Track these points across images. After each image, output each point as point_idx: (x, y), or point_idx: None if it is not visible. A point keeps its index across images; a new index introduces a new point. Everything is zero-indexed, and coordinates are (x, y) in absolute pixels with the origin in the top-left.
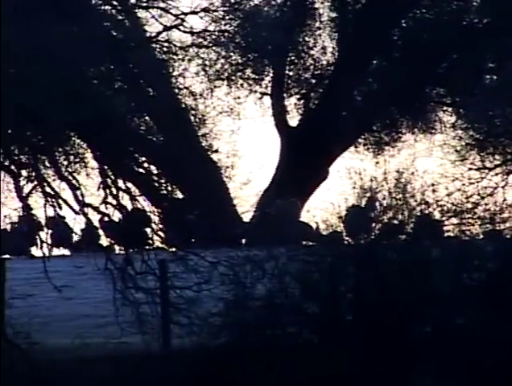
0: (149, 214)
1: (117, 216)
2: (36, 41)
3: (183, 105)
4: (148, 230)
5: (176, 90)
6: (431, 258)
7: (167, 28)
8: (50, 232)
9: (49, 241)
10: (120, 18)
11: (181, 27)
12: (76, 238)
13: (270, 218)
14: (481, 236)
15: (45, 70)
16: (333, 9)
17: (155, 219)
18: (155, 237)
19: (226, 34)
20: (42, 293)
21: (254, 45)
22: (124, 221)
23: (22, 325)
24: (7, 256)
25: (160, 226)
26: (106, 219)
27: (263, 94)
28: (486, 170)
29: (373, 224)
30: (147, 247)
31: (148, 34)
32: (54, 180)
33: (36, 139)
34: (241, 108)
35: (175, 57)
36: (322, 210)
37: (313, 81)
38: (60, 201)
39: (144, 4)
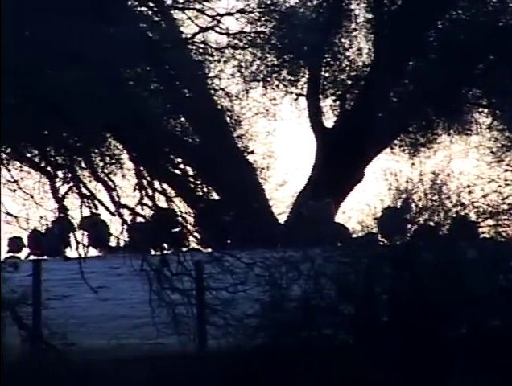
0: (178, 215)
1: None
2: (73, 43)
3: (219, 107)
4: (181, 231)
5: (212, 91)
6: (467, 259)
7: (203, 29)
8: (86, 233)
9: (85, 242)
10: (156, 19)
11: (217, 29)
12: (112, 239)
13: (306, 219)
14: None
15: (82, 71)
16: (369, 10)
17: (191, 220)
18: (191, 238)
19: (262, 35)
20: (78, 294)
21: (290, 46)
22: (152, 222)
23: (58, 326)
24: (44, 257)
25: (196, 227)
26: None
27: (299, 95)
28: None
29: (409, 226)
30: (183, 248)
31: (184, 36)
32: (90, 181)
33: (72, 140)
34: (276, 109)
35: (210, 58)
36: (357, 211)
37: (349, 82)
38: (96, 202)
39: (180, 5)
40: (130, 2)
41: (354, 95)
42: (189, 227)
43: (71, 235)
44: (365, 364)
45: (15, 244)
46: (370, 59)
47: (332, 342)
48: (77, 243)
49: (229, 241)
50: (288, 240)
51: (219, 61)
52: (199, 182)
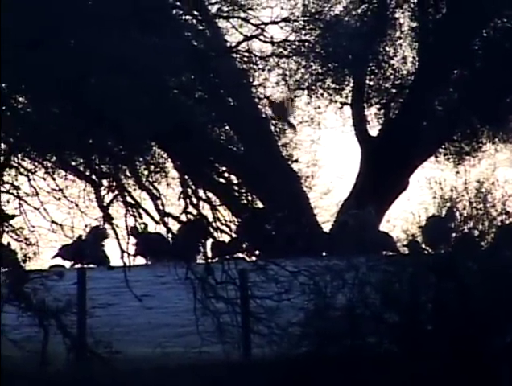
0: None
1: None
2: (118, 51)
3: (264, 115)
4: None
5: (257, 100)
6: None
7: (247, 38)
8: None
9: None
10: (201, 28)
11: (261, 37)
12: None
13: (350, 228)
14: None
15: (126, 80)
16: (414, 18)
17: (234, 228)
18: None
19: (306, 44)
20: (122, 302)
21: (335, 55)
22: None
23: (103, 334)
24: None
25: (241, 235)
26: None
27: (343, 104)
28: None
29: (454, 234)
30: (228, 256)
31: (229, 44)
32: (135, 190)
33: (117, 149)
34: (321, 117)
35: (255, 67)
36: (402, 220)
37: (393, 91)
38: (141, 211)
39: (225, 14)
40: (174, 11)
41: (399, 103)
42: (234, 235)
43: (105, 244)
44: (409, 373)
45: (67, 251)
46: (415, 67)
47: (376, 351)
48: (122, 252)
49: (273, 250)
50: (333, 249)
51: (263, 69)
52: (243, 191)
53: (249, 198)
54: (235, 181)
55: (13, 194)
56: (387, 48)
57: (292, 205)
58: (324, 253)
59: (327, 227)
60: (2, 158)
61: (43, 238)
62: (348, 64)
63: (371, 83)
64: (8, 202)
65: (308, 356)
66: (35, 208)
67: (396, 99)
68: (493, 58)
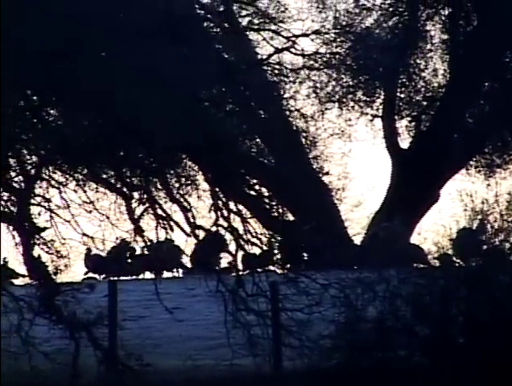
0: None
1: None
2: (149, 63)
3: (295, 127)
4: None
5: (287, 112)
6: None
7: (278, 50)
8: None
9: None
10: (231, 40)
11: (292, 49)
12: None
13: (381, 240)
14: None
15: (157, 92)
16: (445, 31)
17: (265, 240)
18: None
19: (337, 56)
20: (153, 315)
21: (366, 67)
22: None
23: (133, 347)
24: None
25: (271, 248)
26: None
27: (374, 116)
28: None
29: (485, 247)
30: (258, 269)
31: (259, 57)
32: (165, 202)
33: (148, 161)
34: (352, 130)
35: (286, 79)
36: (433, 232)
37: (424, 103)
38: (172, 223)
39: (256, 26)
40: (205, 23)
41: (430, 116)
42: (264, 247)
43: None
44: None
45: (94, 262)
46: (446, 79)
47: (407, 364)
48: (145, 266)
49: (304, 262)
50: (363, 261)
51: (294, 82)
52: (274, 203)
53: (280, 210)
54: (266, 193)
55: (44, 206)
56: (418, 61)
57: (323, 217)
58: (354, 266)
59: (358, 240)
60: (33, 170)
61: (74, 250)
62: (379, 77)
63: (402, 95)
64: (39, 214)
65: (339, 369)
66: (66, 221)
67: (427, 111)
68: None
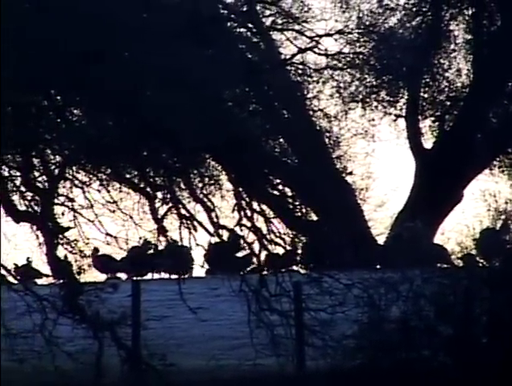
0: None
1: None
2: (173, 64)
3: (318, 127)
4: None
5: (311, 112)
6: None
7: (301, 50)
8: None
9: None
10: (255, 40)
11: (316, 49)
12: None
13: (404, 240)
14: None
15: (181, 92)
16: (468, 31)
17: (288, 240)
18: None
19: (361, 56)
20: (177, 314)
21: (389, 67)
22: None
23: (157, 346)
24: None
25: (295, 248)
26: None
27: (398, 116)
28: None
29: (508, 247)
30: (282, 269)
31: (283, 57)
32: (189, 202)
33: (171, 161)
34: (375, 130)
35: (309, 79)
36: (456, 232)
37: (448, 103)
38: (195, 223)
39: (279, 26)
40: (229, 24)
41: (453, 116)
42: (288, 247)
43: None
44: None
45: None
46: (469, 79)
47: (430, 364)
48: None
49: (327, 262)
50: (387, 261)
51: (318, 82)
52: (297, 203)
53: (304, 210)
54: (289, 193)
55: (67, 206)
56: (442, 60)
57: (346, 217)
58: (378, 266)
59: (381, 240)
60: (56, 170)
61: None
62: (403, 77)
63: (426, 95)
64: (63, 214)
65: (362, 369)
66: (89, 220)
67: (450, 111)
68: None
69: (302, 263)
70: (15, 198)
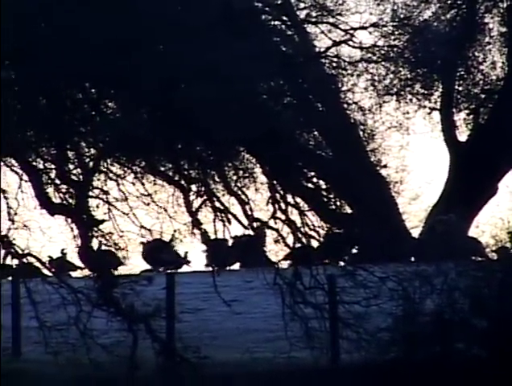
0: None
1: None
2: (207, 57)
3: (352, 120)
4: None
5: (345, 105)
6: None
7: (336, 43)
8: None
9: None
10: (290, 33)
11: (350, 42)
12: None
13: (438, 233)
14: None
15: (215, 85)
16: (503, 23)
17: (323, 233)
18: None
19: (395, 49)
20: (211, 307)
21: (424, 60)
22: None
23: (191, 339)
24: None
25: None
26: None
27: (432, 109)
28: None
29: None
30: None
31: (317, 50)
32: (223, 195)
33: (206, 154)
34: (410, 123)
35: (344, 72)
36: (491, 225)
37: (483, 96)
38: (229, 216)
39: (313, 19)
40: (264, 17)
41: (488, 108)
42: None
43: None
44: (498, 379)
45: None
46: (504, 72)
47: (464, 357)
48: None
49: (361, 255)
50: (421, 254)
51: (352, 75)
52: (332, 196)
53: (338, 203)
54: (323, 186)
55: (102, 199)
56: (476, 53)
57: (381, 210)
58: (412, 259)
59: (416, 233)
60: (91, 163)
61: (132, 243)
62: (438, 70)
63: (460, 88)
64: (97, 207)
65: (397, 362)
66: (124, 213)
67: (485, 104)
68: None
69: (336, 256)
70: (50, 190)
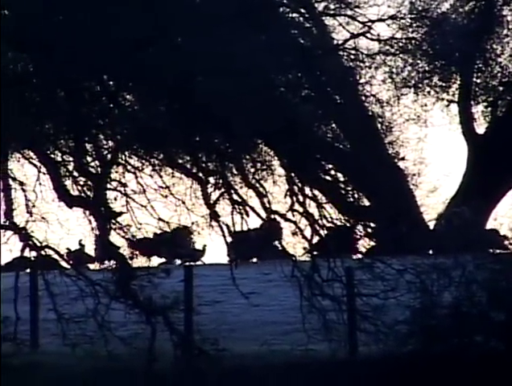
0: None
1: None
2: (225, 50)
3: (370, 113)
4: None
5: (363, 97)
6: None
7: (354, 36)
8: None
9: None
10: (308, 25)
11: (368, 35)
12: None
13: (455, 225)
14: None
15: (233, 78)
16: None
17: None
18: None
19: (413, 41)
20: (229, 299)
21: (442, 52)
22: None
23: (209, 331)
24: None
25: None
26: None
27: (450, 101)
28: None
29: None
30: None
31: (335, 42)
32: (241, 187)
33: (224, 146)
34: (427, 115)
35: (362, 64)
36: (509, 218)
37: (501, 88)
38: (247, 208)
39: (332, 12)
40: (282, 9)
41: (506, 101)
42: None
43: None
44: None
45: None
46: None
47: (482, 349)
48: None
49: (379, 247)
50: (439, 247)
51: (370, 67)
52: (350, 189)
53: (356, 195)
54: (341, 179)
55: (120, 191)
56: (494, 46)
57: (398, 203)
58: (430, 251)
59: (434, 225)
60: (109, 155)
61: (150, 235)
62: (455, 62)
63: (478, 80)
64: (115, 199)
65: (414, 354)
66: (142, 205)
67: (503, 96)
68: None
69: (353, 248)
70: (68, 183)
